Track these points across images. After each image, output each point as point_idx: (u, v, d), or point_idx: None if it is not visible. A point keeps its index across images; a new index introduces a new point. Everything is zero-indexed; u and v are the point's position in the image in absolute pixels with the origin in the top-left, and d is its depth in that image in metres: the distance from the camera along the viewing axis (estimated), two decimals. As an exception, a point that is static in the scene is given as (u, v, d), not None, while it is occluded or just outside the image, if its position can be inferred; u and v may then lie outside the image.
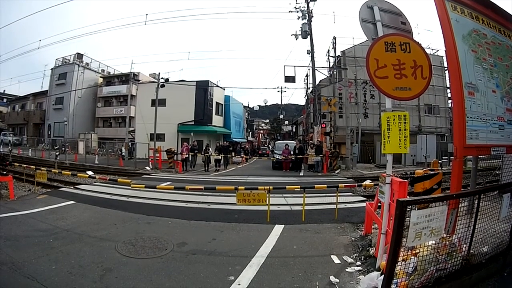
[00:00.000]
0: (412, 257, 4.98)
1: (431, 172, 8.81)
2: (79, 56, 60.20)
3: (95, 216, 10.19)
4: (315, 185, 11.66)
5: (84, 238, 7.93)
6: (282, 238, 8.25)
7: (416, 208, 4.35)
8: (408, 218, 4.21)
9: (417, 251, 5.02)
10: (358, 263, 6.67)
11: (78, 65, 58.60)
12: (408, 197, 5.81)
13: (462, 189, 6.95)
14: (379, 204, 7.41)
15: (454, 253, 5.18)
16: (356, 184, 13.45)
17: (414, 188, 8.69)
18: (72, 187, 16.00)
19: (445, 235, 5.19)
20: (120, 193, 14.13)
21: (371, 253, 6.97)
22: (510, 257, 5.97)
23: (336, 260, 6.86)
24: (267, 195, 9.51)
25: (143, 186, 12.91)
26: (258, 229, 9.08)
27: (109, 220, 9.73)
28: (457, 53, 6.37)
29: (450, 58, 6.47)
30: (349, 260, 6.82)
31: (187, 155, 28.89)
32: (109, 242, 7.67)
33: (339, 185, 10.96)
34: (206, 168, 29.18)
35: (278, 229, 9.01)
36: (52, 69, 60.58)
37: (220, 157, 30.27)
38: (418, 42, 6.34)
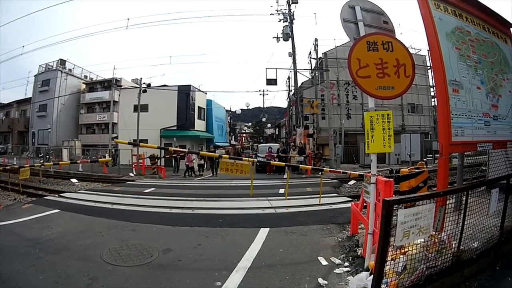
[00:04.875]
0: (401, 256, 4.92)
1: (416, 171, 8.80)
2: (62, 62, 59.78)
3: (80, 224, 10.03)
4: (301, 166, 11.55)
5: (70, 247, 7.79)
6: (268, 241, 8.16)
7: (403, 207, 4.29)
8: (395, 217, 4.15)
9: (406, 249, 4.98)
10: (346, 264, 6.60)
11: (61, 71, 58.22)
12: (394, 196, 5.76)
13: (449, 186, 6.91)
14: (364, 204, 7.36)
15: (444, 250, 5.15)
16: (341, 170, 13.49)
17: (400, 186, 8.69)
18: (57, 195, 15.71)
19: (433, 232, 5.14)
20: (104, 200, 14.03)
21: (358, 253, 6.91)
22: (501, 251, 5.98)
23: (323, 261, 6.77)
24: (251, 167, 9.40)
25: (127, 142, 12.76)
26: (243, 233, 8.95)
27: (94, 228, 9.57)
28: (440, 50, 6.32)
29: (434, 56, 6.41)
30: (337, 261, 6.74)
31: (187, 163, 29.10)
32: (94, 250, 7.52)
33: (324, 168, 10.93)
34: (189, 173, 29.02)
35: (263, 232, 8.90)
36: (35, 75, 60.18)
37: (202, 162, 29.88)
38: (400, 41, 6.29)
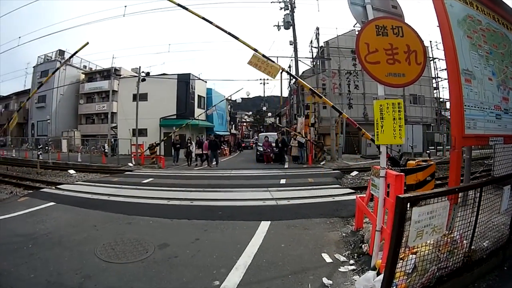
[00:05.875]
0: (411, 255, 4.65)
1: (424, 164, 8.55)
2: (61, 52, 59.73)
3: (75, 217, 9.75)
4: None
5: (63, 242, 7.50)
6: (269, 236, 7.87)
7: (414, 204, 4.01)
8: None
9: (416, 249, 4.70)
10: (352, 261, 6.29)
11: (60, 62, 57.41)
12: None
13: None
14: (371, 196, 7.06)
15: (456, 250, 4.93)
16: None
17: (406, 179, 8.41)
18: (54, 188, 15.49)
19: (446, 232, 4.86)
20: (101, 192, 13.78)
21: (364, 250, 6.60)
22: (509, 250, 5.80)
23: (327, 259, 6.47)
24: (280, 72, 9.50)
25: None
26: (244, 226, 8.68)
27: (89, 221, 9.29)
28: (453, 38, 6.07)
29: (446, 43, 6.15)
30: (342, 258, 6.44)
31: (205, 152, 28.68)
32: (88, 245, 7.24)
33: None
34: (189, 163, 28.78)
35: (264, 226, 8.61)
36: (34, 67, 60.07)
37: (201, 152, 29.10)
38: (411, 26, 5.98)
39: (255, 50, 9.62)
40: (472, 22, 6.64)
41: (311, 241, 7.52)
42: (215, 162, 27.97)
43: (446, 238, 4.92)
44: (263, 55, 9.83)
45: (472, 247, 5.07)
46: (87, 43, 15.96)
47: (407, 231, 3.92)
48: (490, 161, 9.45)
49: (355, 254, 6.61)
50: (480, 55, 6.60)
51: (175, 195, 13.00)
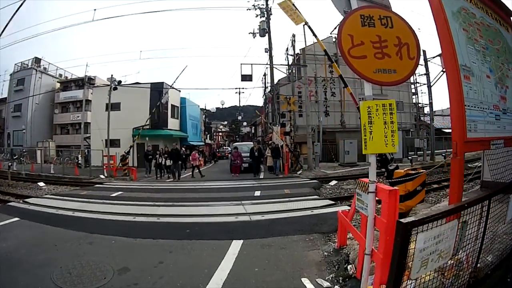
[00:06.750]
0: (409, 281, 3.90)
1: (413, 172, 7.87)
2: (37, 60, 58.97)
3: (37, 235, 9.20)
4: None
5: (22, 263, 6.98)
6: (241, 258, 7.10)
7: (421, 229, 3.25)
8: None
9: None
10: (337, 287, 5.57)
11: (36, 69, 57.32)
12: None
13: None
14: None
15: (461, 273, 4.30)
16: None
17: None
18: (21, 201, 14.92)
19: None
20: (67, 207, 13.09)
21: (350, 272, 5.86)
22: None
23: (308, 284, 5.73)
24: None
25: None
26: (213, 246, 7.93)
27: (51, 240, 8.65)
28: (450, 30, 5.42)
29: (443, 36, 5.45)
30: (325, 284, 5.69)
31: (193, 162, 28.52)
32: (46, 268, 6.66)
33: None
34: (160, 175, 27.72)
35: (235, 246, 7.86)
36: (11, 74, 59.09)
37: (170, 163, 27.53)
38: (401, 16, 5.23)
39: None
40: (466, 15, 6.08)
41: (289, 263, 6.81)
42: (192, 174, 27.41)
43: (451, 261, 4.20)
44: (293, 4, 12.10)
45: (478, 265, 4.52)
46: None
47: (410, 262, 3.19)
48: (475, 163, 8.93)
49: (340, 278, 5.87)
50: (477, 50, 6.04)
51: (142, 210, 12.44)
